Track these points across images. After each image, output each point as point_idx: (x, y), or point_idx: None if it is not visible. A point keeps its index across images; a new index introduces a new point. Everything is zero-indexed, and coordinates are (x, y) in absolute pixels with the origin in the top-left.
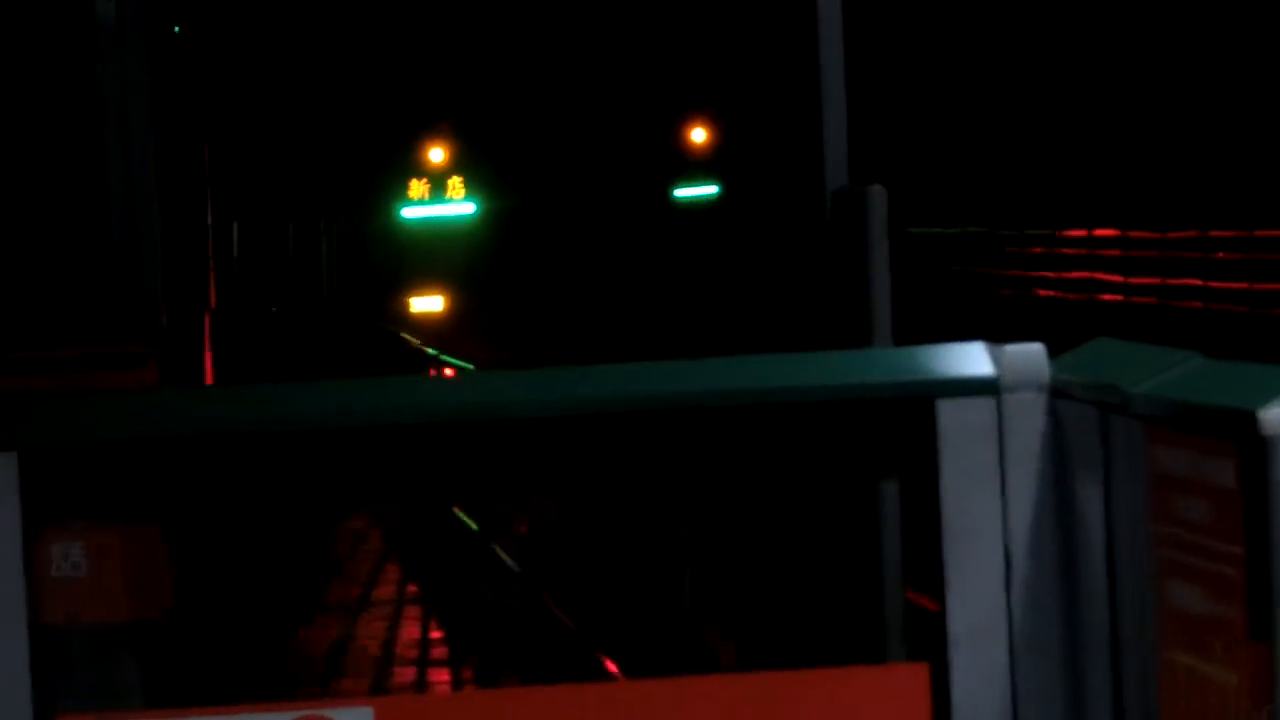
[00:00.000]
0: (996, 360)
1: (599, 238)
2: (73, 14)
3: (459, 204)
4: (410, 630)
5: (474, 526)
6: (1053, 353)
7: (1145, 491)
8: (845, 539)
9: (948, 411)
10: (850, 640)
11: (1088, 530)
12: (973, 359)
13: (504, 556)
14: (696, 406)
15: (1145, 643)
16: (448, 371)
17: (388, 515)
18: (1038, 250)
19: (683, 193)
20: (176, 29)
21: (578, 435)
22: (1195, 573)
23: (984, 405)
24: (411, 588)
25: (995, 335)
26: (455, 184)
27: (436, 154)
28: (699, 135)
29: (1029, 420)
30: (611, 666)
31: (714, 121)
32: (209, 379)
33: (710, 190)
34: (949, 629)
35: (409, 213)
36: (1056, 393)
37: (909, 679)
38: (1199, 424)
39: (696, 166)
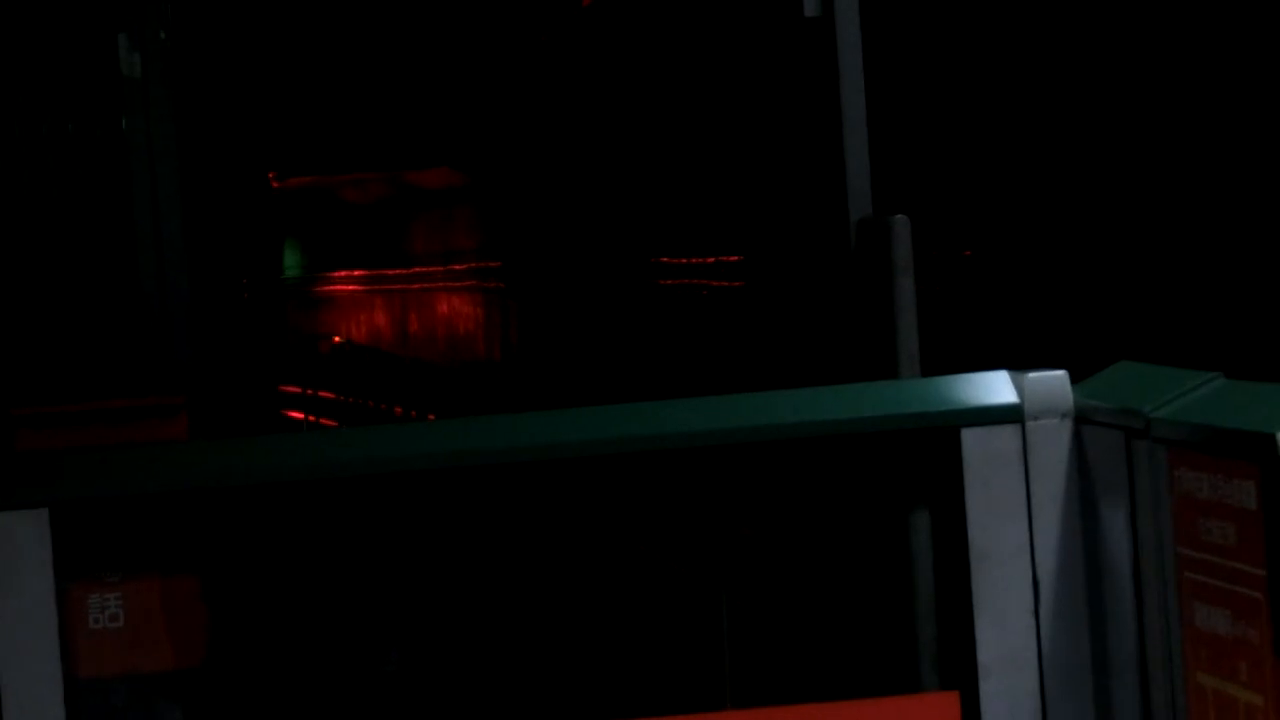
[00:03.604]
0: (1019, 388)
1: None
2: (99, 69)
3: None
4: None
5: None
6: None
7: (1169, 515)
8: (876, 568)
9: (972, 440)
10: (883, 669)
11: (1114, 555)
12: (996, 387)
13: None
14: (723, 444)
15: (1173, 666)
16: None
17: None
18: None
19: None
20: (207, 81)
21: (604, 475)
22: (1220, 595)
23: (1008, 433)
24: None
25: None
26: None
27: None
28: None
29: (1053, 447)
30: None
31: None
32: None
33: None
34: (979, 657)
35: None
36: (1080, 418)
37: (940, 707)
38: (1220, 447)
39: None
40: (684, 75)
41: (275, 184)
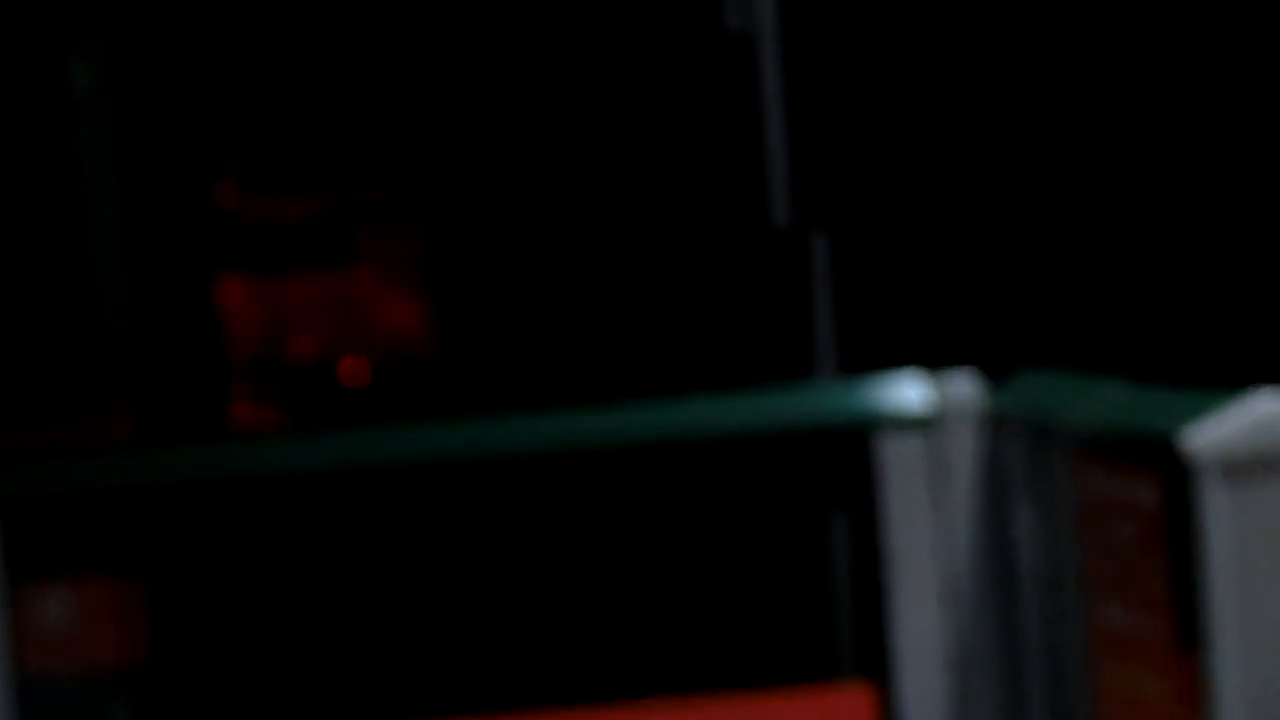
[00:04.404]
0: (933, 391)
1: None
2: (50, 84)
3: None
4: None
5: None
6: None
7: (1077, 514)
8: (796, 565)
9: (887, 441)
10: (801, 663)
11: (1023, 553)
12: (910, 389)
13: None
14: (643, 446)
15: (1081, 658)
16: None
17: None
18: None
19: None
20: (160, 97)
21: (532, 481)
22: (1125, 590)
23: (921, 434)
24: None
25: None
26: None
27: None
28: None
29: (965, 448)
30: None
31: None
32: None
33: None
34: (893, 651)
35: None
36: (991, 420)
37: (856, 698)
38: (1124, 448)
39: None
40: (610, 85)
41: (224, 196)
